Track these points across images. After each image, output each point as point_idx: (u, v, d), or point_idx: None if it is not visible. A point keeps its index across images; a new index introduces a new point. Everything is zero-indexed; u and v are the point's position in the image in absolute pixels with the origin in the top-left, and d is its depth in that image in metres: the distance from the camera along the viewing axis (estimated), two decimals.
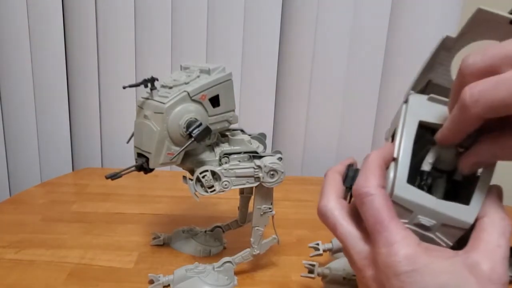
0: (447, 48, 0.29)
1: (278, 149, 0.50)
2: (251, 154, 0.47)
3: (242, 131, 0.50)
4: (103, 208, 0.70)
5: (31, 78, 0.88)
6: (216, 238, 0.58)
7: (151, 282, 0.48)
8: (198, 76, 0.45)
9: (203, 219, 0.67)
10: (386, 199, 0.26)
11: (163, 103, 0.42)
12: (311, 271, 0.47)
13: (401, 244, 0.24)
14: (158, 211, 0.70)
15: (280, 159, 0.47)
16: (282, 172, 0.46)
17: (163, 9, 0.86)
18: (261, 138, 0.51)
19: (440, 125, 0.26)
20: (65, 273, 0.51)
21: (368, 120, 0.94)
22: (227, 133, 0.49)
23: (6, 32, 0.85)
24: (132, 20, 0.86)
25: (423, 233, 0.26)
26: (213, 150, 0.47)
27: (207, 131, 0.43)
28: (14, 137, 0.91)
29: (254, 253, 0.50)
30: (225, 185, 0.46)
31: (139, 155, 0.46)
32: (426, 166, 0.27)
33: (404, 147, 0.27)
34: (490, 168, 0.26)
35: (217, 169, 0.46)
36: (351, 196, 0.31)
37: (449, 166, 0.27)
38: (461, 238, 0.26)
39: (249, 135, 0.50)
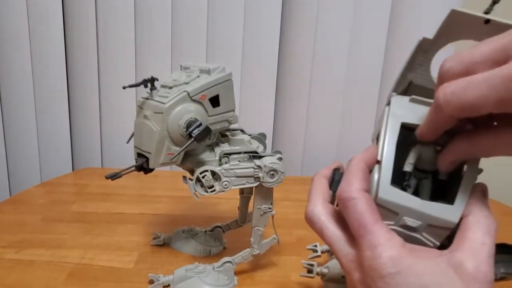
0: (424, 49, 0.29)
1: (278, 149, 0.50)
2: (251, 154, 0.47)
3: (242, 131, 0.50)
4: (103, 208, 0.70)
5: (31, 78, 0.88)
6: (216, 238, 0.58)
7: (151, 282, 0.48)
8: (198, 76, 0.45)
9: (203, 219, 0.67)
10: (369, 202, 0.26)
11: (163, 103, 0.42)
12: (310, 271, 0.48)
13: (385, 246, 0.24)
14: (158, 211, 0.70)
15: (280, 159, 0.47)
16: (282, 172, 0.46)
17: (163, 9, 0.86)
18: (261, 138, 0.51)
19: None
20: (65, 273, 0.51)
21: (368, 120, 0.93)
22: (227, 133, 0.49)
23: (6, 32, 0.85)
24: (132, 20, 0.86)
25: (410, 234, 0.26)
26: (213, 150, 0.47)
27: (207, 131, 0.43)
28: (14, 137, 0.91)
29: (254, 253, 0.50)
30: (225, 185, 0.46)
31: (139, 155, 0.46)
32: (407, 167, 0.27)
33: (387, 150, 0.27)
34: (473, 167, 0.26)
35: (217, 169, 0.46)
36: None
37: (431, 166, 0.27)
38: (452, 237, 0.26)
39: (249, 135, 0.50)
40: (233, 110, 0.47)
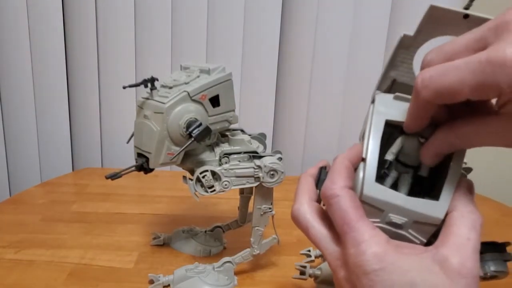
0: (406, 46, 0.29)
1: (278, 149, 0.50)
2: (251, 154, 0.47)
3: (242, 131, 0.50)
4: (103, 208, 0.70)
5: (31, 78, 0.88)
6: (216, 238, 0.58)
7: (151, 282, 0.48)
8: (198, 76, 0.45)
9: (203, 219, 0.67)
10: (352, 199, 0.26)
11: (163, 103, 0.42)
12: (302, 273, 0.47)
13: (369, 242, 0.24)
14: (158, 211, 0.70)
15: (280, 159, 0.47)
16: (282, 172, 0.46)
17: (163, 9, 0.86)
18: (261, 138, 0.51)
19: None
20: (65, 273, 0.51)
21: None
22: (227, 133, 0.49)
23: (6, 32, 0.85)
24: (132, 20, 0.86)
25: (396, 231, 0.26)
26: (213, 150, 0.47)
27: (207, 131, 0.43)
28: (14, 137, 0.91)
29: (254, 253, 0.50)
30: (225, 185, 0.46)
31: (139, 155, 0.46)
32: (389, 155, 0.27)
33: (371, 147, 0.27)
34: (458, 163, 0.26)
35: (217, 169, 0.46)
36: None
37: (413, 159, 0.27)
38: (438, 234, 0.26)
39: (249, 135, 0.50)
40: (233, 110, 0.47)
